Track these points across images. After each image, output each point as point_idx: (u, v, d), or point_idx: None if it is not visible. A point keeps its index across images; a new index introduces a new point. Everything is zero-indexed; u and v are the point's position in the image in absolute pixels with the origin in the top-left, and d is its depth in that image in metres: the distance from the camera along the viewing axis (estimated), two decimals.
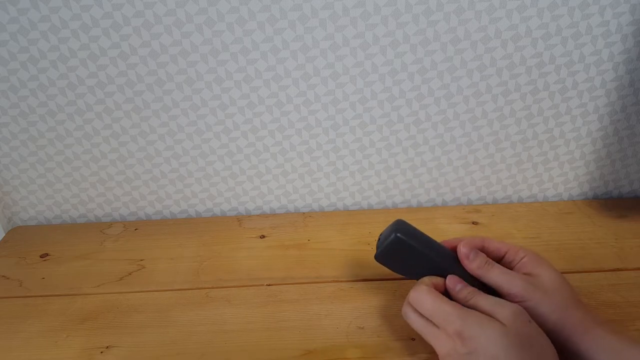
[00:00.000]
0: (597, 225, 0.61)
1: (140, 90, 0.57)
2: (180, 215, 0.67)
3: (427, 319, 0.40)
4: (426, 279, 0.43)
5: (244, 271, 0.55)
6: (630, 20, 0.54)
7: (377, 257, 0.45)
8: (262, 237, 0.61)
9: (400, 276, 0.53)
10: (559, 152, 0.64)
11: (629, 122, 0.61)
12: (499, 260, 0.44)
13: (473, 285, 0.42)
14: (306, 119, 0.60)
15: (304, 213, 0.66)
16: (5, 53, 0.54)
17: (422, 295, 0.40)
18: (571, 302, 0.40)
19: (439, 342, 0.38)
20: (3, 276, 0.56)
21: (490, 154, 0.63)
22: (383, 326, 0.47)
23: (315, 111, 0.59)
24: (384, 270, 0.54)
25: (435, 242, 0.45)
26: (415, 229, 0.45)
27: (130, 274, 0.56)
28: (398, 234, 0.43)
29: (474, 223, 0.62)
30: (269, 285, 0.53)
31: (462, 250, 0.43)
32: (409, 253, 0.43)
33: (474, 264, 0.42)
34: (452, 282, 0.42)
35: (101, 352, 0.46)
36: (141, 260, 0.58)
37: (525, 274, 0.42)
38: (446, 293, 0.43)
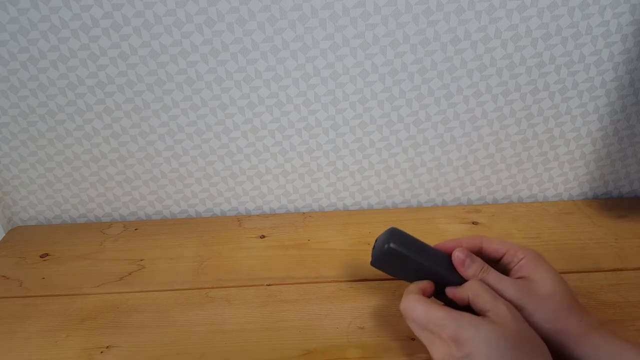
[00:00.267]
0: (597, 225, 0.61)
1: (140, 90, 0.57)
2: (180, 215, 0.67)
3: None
4: (412, 287, 0.42)
5: (244, 271, 0.55)
6: (630, 20, 0.54)
7: (373, 264, 0.45)
8: (262, 237, 0.61)
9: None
10: (559, 152, 0.64)
11: (629, 122, 0.61)
12: (498, 260, 0.44)
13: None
14: (306, 119, 0.60)
15: (304, 213, 0.66)
16: (5, 53, 0.54)
17: (412, 304, 0.40)
18: (567, 308, 0.39)
19: (434, 348, 0.38)
20: (3, 276, 0.56)
21: (490, 154, 0.63)
22: (383, 326, 0.47)
23: (315, 111, 0.59)
24: None
25: (429, 247, 0.44)
26: (408, 236, 0.44)
27: (130, 274, 0.56)
28: (391, 244, 0.43)
29: (474, 223, 0.62)
30: (269, 285, 0.53)
31: (457, 256, 0.42)
32: (403, 261, 0.43)
33: (470, 271, 0.42)
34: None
35: (101, 352, 0.46)
36: (141, 260, 0.58)
37: (521, 277, 0.41)
38: (440, 296, 0.43)
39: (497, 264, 0.44)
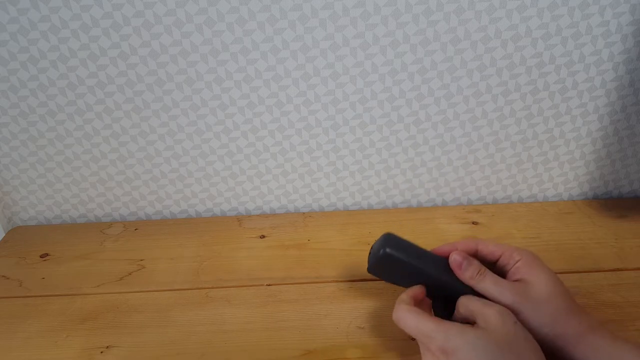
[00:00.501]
0: (597, 225, 0.61)
1: (140, 90, 0.57)
2: (180, 215, 0.67)
3: None
4: (404, 296, 0.42)
5: (244, 271, 0.55)
6: (630, 20, 0.54)
7: (369, 271, 0.45)
8: (262, 237, 0.61)
9: None
10: (559, 152, 0.64)
11: (629, 122, 0.61)
12: (494, 263, 0.44)
13: (464, 291, 0.41)
14: (306, 119, 0.60)
15: (304, 213, 0.66)
16: (5, 53, 0.54)
17: (402, 314, 0.40)
18: (564, 310, 0.39)
19: (426, 359, 0.38)
20: (3, 276, 0.56)
21: (490, 154, 0.63)
22: (383, 326, 0.47)
23: (315, 111, 0.59)
24: None
25: (426, 252, 0.44)
26: (404, 241, 0.44)
27: (130, 274, 0.56)
28: (387, 249, 0.42)
29: (474, 223, 0.62)
30: (269, 285, 0.53)
31: (454, 259, 0.42)
32: (399, 266, 0.43)
33: (467, 274, 0.41)
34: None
35: (101, 352, 0.46)
36: (141, 260, 0.58)
37: (518, 279, 0.41)
38: (437, 301, 0.43)
39: (493, 266, 0.44)
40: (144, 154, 0.62)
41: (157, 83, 0.56)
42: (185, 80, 0.56)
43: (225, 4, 0.52)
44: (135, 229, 0.64)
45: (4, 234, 0.64)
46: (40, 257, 0.59)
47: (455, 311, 0.41)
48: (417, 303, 0.41)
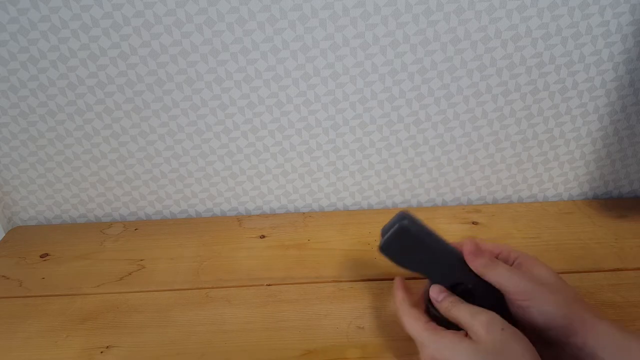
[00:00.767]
0: (597, 225, 0.61)
1: (140, 90, 0.57)
2: (180, 215, 0.67)
3: None
4: (404, 295, 0.43)
5: (244, 271, 0.55)
6: (630, 20, 0.54)
7: (382, 247, 0.44)
8: (262, 237, 0.61)
9: (400, 275, 0.53)
10: (559, 152, 0.64)
11: (629, 122, 0.61)
12: None
13: (466, 286, 0.42)
14: (306, 119, 0.60)
15: (304, 213, 0.66)
16: (5, 53, 0.54)
17: (403, 317, 0.41)
18: (575, 299, 0.40)
19: None
20: (3, 276, 0.56)
21: (490, 154, 0.63)
22: (383, 326, 0.47)
23: (315, 111, 0.59)
24: (384, 270, 0.54)
25: (438, 235, 0.44)
26: (419, 220, 0.44)
27: (130, 274, 0.56)
28: (404, 222, 0.42)
29: (474, 223, 0.62)
30: (269, 285, 0.53)
31: (467, 247, 0.42)
32: (414, 243, 0.43)
33: (479, 261, 0.42)
34: (435, 291, 0.42)
35: (101, 352, 0.46)
36: (141, 260, 0.58)
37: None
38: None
39: None
40: (144, 154, 0.62)
41: (157, 83, 0.56)
42: (185, 80, 0.56)
43: (225, 4, 0.52)
44: (135, 229, 0.64)
45: (4, 234, 0.64)
46: (40, 257, 0.59)
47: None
48: (416, 300, 0.42)
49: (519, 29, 0.54)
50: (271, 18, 0.53)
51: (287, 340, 0.46)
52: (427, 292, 0.43)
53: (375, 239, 0.59)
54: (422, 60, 0.56)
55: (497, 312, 0.40)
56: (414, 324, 0.40)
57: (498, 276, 0.41)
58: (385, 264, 0.55)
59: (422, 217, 0.63)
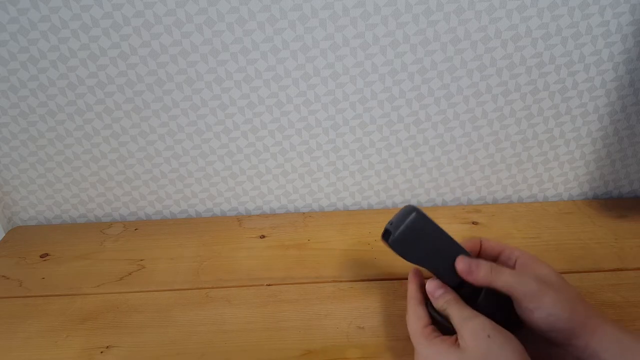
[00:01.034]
0: (597, 225, 0.61)
1: (140, 90, 0.57)
2: (180, 215, 0.67)
3: None
4: (417, 294, 0.43)
5: (244, 271, 0.55)
6: (630, 20, 0.54)
7: (396, 238, 0.42)
8: (262, 237, 0.61)
9: (400, 275, 0.53)
10: (559, 152, 0.64)
11: (629, 122, 0.61)
12: (495, 259, 0.44)
13: (473, 286, 0.41)
14: (306, 119, 0.60)
15: (304, 213, 0.66)
16: (5, 53, 0.54)
17: (408, 314, 0.42)
18: (577, 299, 0.39)
19: None
20: (3, 276, 0.56)
21: (490, 154, 0.63)
22: (383, 326, 0.47)
23: (315, 111, 0.59)
24: (384, 270, 0.54)
25: (446, 232, 0.44)
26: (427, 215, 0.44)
27: (130, 274, 0.56)
28: (420, 211, 0.42)
29: (474, 223, 0.62)
30: (269, 285, 0.53)
31: (460, 267, 0.41)
32: (427, 235, 0.42)
33: (480, 274, 0.41)
34: (432, 287, 0.42)
35: (101, 352, 0.46)
36: (141, 260, 0.58)
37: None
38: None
39: (495, 261, 0.44)
40: (144, 154, 0.62)
41: (157, 83, 0.56)
42: (185, 80, 0.56)
43: (225, 4, 0.52)
44: (135, 229, 0.64)
45: (4, 234, 0.64)
46: (40, 257, 0.59)
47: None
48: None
49: (519, 29, 0.54)
50: (271, 18, 0.53)
51: (287, 340, 0.46)
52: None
53: (376, 239, 0.59)
54: (422, 60, 0.56)
55: (504, 314, 0.40)
56: (414, 324, 0.41)
57: (505, 283, 0.40)
58: (385, 263, 0.56)
59: None
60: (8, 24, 0.52)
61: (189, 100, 0.58)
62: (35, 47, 0.54)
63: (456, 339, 0.37)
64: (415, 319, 0.41)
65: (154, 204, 0.66)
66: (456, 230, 0.61)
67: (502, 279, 0.40)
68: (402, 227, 0.42)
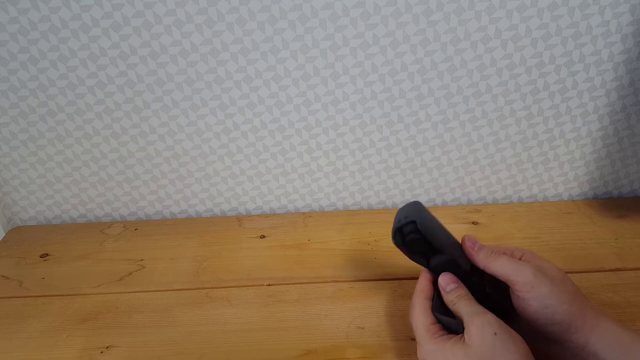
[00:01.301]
0: (597, 225, 0.61)
1: (140, 90, 0.57)
2: (180, 215, 0.67)
3: None
4: (423, 289, 0.43)
5: (244, 271, 0.55)
6: (630, 20, 0.54)
7: (422, 224, 0.41)
8: (262, 237, 0.61)
9: (400, 275, 0.53)
10: (559, 152, 0.64)
11: (629, 122, 0.61)
12: None
13: (471, 280, 0.41)
14: (306, 119, 0.60)
15: (304, 213, 0.66)
16: (5, 53, 0.54)
17: (414, 308, 0.42)
18: (578, 294, 0.39)
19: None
20: (3, 276, 0.56)
21: (490, 154, 0.63)
22: (383, 326, 0.47)
23: (315, 111, 0.59)
24: (384, 270, 0.54)
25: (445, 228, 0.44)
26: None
27: (130, 274, 0.56)
28: (423, 205, 0.43)
29: (474, 223, 0.62)
30: (269, 285, 0.53)
31: (467, 242, 0.43)
32: (438, 222, 0.43)
33: (481, 254, 0.42)
34: (445, 280, 0.42)
35: (101, 352, 0.46)
36: (141, 260, 0.58)
37: None
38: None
39: None
40: (144, 154, 0.62)
41: (157, 83, 0.56)
42: (185, 80, 0.56)
43: (225, 4, 0.52)
44: (135, 229, 0.64)
45: (4, 234, 0.64)
46: (40, 257, 0.59)
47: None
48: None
49: (519, 29, 0.54)
50: (271, 18, 0.53)
51: (287, 340, 0.46)
52: (436, 283, 0.43)
53: (376, 239, 0.59)
54: (422, 60, 0.56)
55: (504, 308, 0.40)
56: (420, 319, 0.40)
57: (500, 267, 0.40)
58: (386, 263, 0.56)
59: None
60: (8, 24, 0.52)
61: (189, 100, 0.58)
62: (35, 47, 0.54)
63: (461, 337, 0.37)
64: (423, 314, 0.40)
65: (154, 204, 0.66)
66: (456, 230, 0.60)
67: (498, 263, 0.40)
68: (423, 213, 0.42)
